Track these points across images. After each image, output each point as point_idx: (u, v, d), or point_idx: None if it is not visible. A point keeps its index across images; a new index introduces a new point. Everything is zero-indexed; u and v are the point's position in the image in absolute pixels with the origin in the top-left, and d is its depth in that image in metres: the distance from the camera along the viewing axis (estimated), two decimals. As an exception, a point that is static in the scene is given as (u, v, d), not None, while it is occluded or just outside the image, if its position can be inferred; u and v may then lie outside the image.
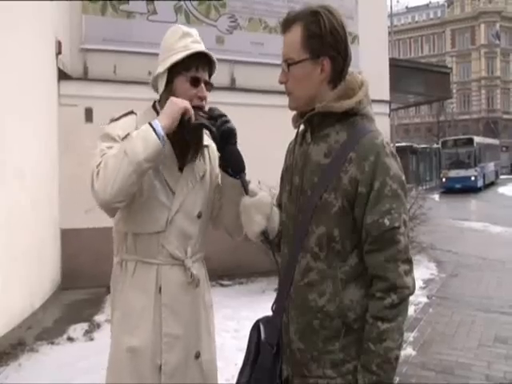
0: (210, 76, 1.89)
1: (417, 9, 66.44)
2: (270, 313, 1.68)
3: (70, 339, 4.86)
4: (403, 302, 1.44)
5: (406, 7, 66.27)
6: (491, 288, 7.13)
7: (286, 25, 1.59)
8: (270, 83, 8.05)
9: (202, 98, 1.82)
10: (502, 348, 4.67)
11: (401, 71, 11.75)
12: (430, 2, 66.03)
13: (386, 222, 1.45)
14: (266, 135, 7.18)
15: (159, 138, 1.61)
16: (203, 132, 1.89)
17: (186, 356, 1.82)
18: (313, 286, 1.53)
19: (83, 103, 6.84)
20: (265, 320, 1.68)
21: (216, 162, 1.95)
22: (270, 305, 1.67)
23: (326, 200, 1.51)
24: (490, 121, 53.91)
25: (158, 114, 1.83)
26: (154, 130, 1.62)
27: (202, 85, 1.82)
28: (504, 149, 48.38)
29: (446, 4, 63.50)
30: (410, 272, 1.46)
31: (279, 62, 1.64)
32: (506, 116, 56.71)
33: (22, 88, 5.01)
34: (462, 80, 58.28)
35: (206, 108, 1.85)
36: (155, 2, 7.60)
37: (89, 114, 6.91)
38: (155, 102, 1.91)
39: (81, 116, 6.86)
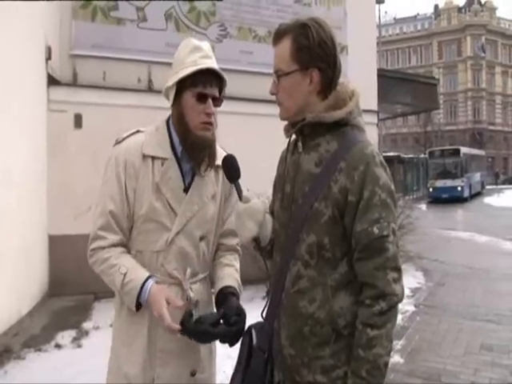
0: (220, 90, 1.87)
1: (405, 20, 67.26)
2: (260, 319, 1.69)
3: (58, 346, 4.80)
4: (392, 309, 1.46)
5: (394, 18, 67.09)
6: (477, 297, 7.20)
7: (277, 37, 1.62)
8: (258, 92, 8.08)
9: (210, 114, 1.80)
10: (487, 356, 4.73)
11: (389, 81, 11.86)
12: (418, 14, 67.02)
13: (375, 230, 1.47)
14: (254, 143, 7.21)
15: (136, 305, 1.74)
16: (216, 151, 1.88)
17: (181, 373, 1.82)
18: (303, 293, 1.55)
19: (72, 109, 6.80)
20: (257, 326, 1.69)
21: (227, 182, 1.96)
22: (259, 312, 1.68)
23: (317, 209, 1.53)
24: (476, 132, 54.61)
25: (169, 133, 1.85)
26: (140, 296, 1.73)
27: (210, 101, 1.79)
28: (489, 159, 48.94)
29: (433, 16, 64.37)
30: (398, 280, 1.48)
31: (268, 71, 1.67)
32: (491, 127, 57.56)
33: (12, 93, 5.00)
34: (449, 91, 59.03)
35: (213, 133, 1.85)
36: (145, 10, 7.62)
37: (78, 120, 6.88)
38: (169, 117, 1.90)
39: (70, 122, 6.82)
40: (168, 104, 1.86)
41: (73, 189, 6.56)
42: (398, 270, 1.49)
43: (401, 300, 1.49)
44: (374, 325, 1.44)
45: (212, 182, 1.91)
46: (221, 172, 1.92)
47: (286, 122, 1.71)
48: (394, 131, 58.20)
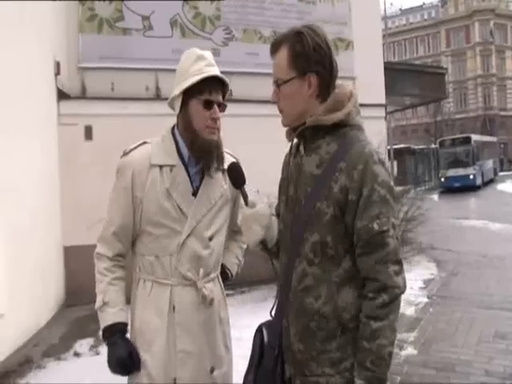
0: (223, 96, 1.98)
1: (411, 10, 66.52)
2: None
3: (77, 354, 4.93)
4: (394, 301, 1.53)
5: (400, 9, 66.41)
6: (491, 285, 7.21)
7: (274, 48, 1.70)
8: (266, 93, 8.11)
9: (216, 120, 1.92)
10: (501, 343, 4.77)
11: (396, 74, 11.84)
12: (424, 3, 66.22)
13: (375, 226, 1.54)
14: (263, 145, 7.29)
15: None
16: (223, 152, 2.01)
17: (200, 371, 1.93)
18: (309, 290, 1.62)
19: (82, 121, 6.95)
20: (267, 324, 1.79)
21: None
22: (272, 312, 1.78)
23: (319, 208, 1.60)
24: (487, 118, 53.98)
25: (176, 142, 1.96)
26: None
27: (215, 107, 1.91)
28: (502, 146, 48.35)
29: (439, 4, 63.68)
30: (400, 272, 1.55)
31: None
32: (502, 113, 56.69)
33: (23, 109, 5.13)
34: (458, 79, 58.37)
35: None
36: (151, 18, 7.73)
37: (88, 132, 7.02)
38: (174, 126, 2.01)
39: (80, 134, 6.97)
40: (176, 111, 1.96)
41: (85, 200, 6.66)
42: (399, 263, 1.56)
43: (403, 292, 1.55)
44: (377, 317, 1.51)
45: (219, 184, 2.02)
46: (227, 174, 2.02)
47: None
48: (403, 123, 57.53)
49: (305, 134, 1.69)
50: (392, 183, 1.61)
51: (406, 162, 29.47)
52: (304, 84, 1.65)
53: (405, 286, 1.56)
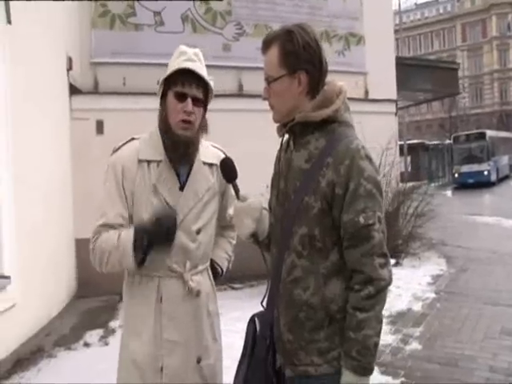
0: (207, 93, 2.00)
1: (426, 5, 65.79)
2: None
3: (87, 345, 5.04)
4: (380, 292, 1.57)
5: (415, 4, 65.75)
6: (501, 281, 7.18)
7: (265, 46, 1.73)
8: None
9: (188, 113, 1.93)
10: (507, 340, 4.76)
11: (408, 69, 11.78)
12: (440, -3, 65.50)
13: (361, 219, 1.58)
14: (272, 139, 7.31)
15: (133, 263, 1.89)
16: (197, 149, 2.03)
17: (187, 360, 1.97)
18: (297, 281, 1.67)
19: (94, 116, 7.06)
20: (259, 315, 1.83)
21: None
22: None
23: (307, 202, 1.65)
24: (504, 114, 53.29)
25: (162, 136, 1.99)
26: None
27: (189, 100, 1.93)
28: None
29: (455, -2, 62.93)
30: (385, 265, 1.59)
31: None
32: (519, 108, 55.95)
33: (36, 104, 5.23)
34: (474, 74, 57.69)
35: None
36: (162, 14, 7.80)
37: (100, 127, 7.12)
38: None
39: (92, 128, 7.08)
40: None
41: (97, 193, 6.72)
42: (385, 255, 1.60)
43: (389, 284, 1.59)
44: (363, 308, 1.56)
45: (206, 178, 2.06)
46: (215, 168, 2.07)
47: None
48: (418, 118, 57.02)
49: (294, 130, 1.74)
50: (378, 178, 1.65)
51: (419, 157, 29.29)
52: (294, 81, 1.69)
53: (390, 279, 1.60)
